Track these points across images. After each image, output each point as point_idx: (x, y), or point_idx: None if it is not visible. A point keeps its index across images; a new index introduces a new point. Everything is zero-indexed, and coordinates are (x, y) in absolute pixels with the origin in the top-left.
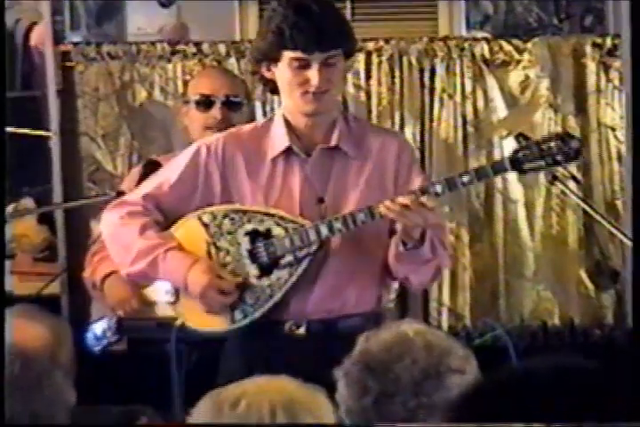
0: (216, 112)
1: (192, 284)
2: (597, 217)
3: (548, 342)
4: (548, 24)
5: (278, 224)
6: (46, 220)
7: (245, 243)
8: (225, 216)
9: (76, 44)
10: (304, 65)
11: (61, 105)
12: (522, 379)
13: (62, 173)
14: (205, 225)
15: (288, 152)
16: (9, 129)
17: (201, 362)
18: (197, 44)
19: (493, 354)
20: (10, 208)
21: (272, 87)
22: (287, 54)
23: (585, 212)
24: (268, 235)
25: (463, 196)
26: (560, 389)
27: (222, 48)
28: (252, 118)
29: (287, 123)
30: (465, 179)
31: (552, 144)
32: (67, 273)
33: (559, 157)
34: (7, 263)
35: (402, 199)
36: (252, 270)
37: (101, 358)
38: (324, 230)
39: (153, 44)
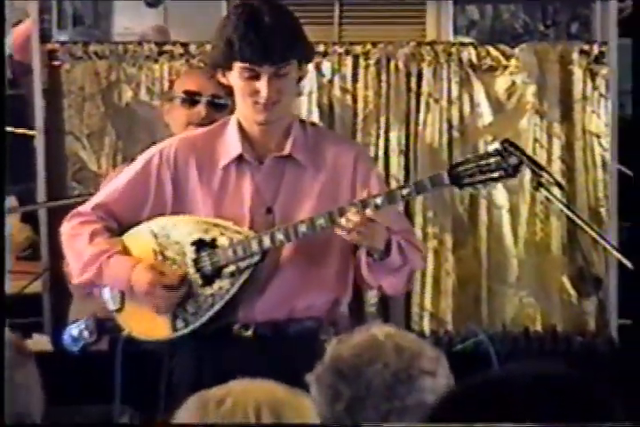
0: (201, 109)
1: (136, 283)
2: (581, 224)
3: (530, 348)
4: (535, 30)
5: (223, 234)
6: (29, 218)
7: (191, 252)
8: (174, 226)
9: (62, 43)
10: (254, 76)
11: (47, 104)
12: (496, 385)
13: (46, 172)
14: (154, 235)
15: (240, 160)
16: None
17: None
18: (184, 45)
19: (475, 360)
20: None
21: (229, 91)
22: (237, 65)
23: (569, 218)
24: (213, 245)
25: (447, 201)
26: (535, 395)
27: (209, 49)
28: None
29: (241, 128)
30: (404, 192)
31: (492, 160)
32: (49, 272)
33: (497, 174)
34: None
35: (350, 216)
36: (196, 280)
37: (81, 358)
38: (267, 241)
39: (140, 43)
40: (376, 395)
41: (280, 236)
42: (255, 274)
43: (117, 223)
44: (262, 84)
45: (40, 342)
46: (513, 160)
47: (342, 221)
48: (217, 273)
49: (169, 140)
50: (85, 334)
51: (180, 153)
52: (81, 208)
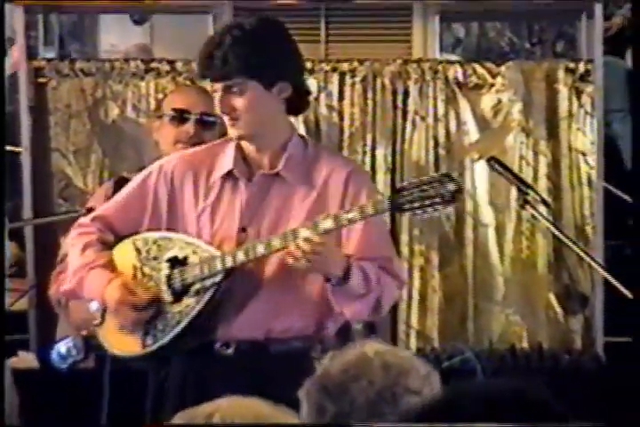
0: (189, 127)
1: (108, 300)
2: (567, 242)
3: (516, 365)
4: (521, 48)
5: (195, 252)
6: (15, 236)
7: (165, 269)
8: (154, 242)
9: (49, 59)
10: (214, 91)
11: (33, 121)
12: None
13: (32, 189)
14: (138, 250)
15: (233, 176)
16: None
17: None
18: (171, 62)
19: (462, 377)
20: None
21: None
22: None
23: (555, 236)
24: (184, 262)
25: (434, 218)
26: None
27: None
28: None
29: (238, 145)
30: (350, 215)
31: (431, 187)
32: (35, 289)
33: (437, 200)
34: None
35: (300, 242)
36: (167, 296)
37: (67, 376)
38: (229, 261)
39: (127, 61)
40: (359, 412)
41: (241, 256)
42: (219, 293)
43: (115, 236)
44: (216, 99)
45: (26, 359)
46: (451, 186)
47: (291, 247)
48: (185, 291)
49: (170, 157)
50: (73, 351)
51: (177, 169)
52: (82, 219)
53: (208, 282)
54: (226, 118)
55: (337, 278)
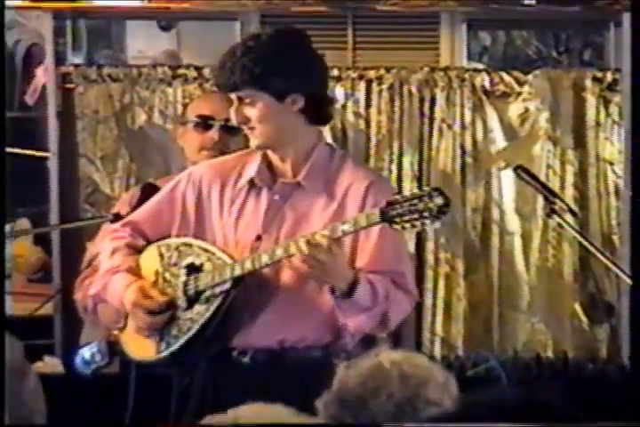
0: (214, 134)
1: (125, 302)
2: (594, 251)
3: (541, 374)
4: (547, 57)
5: (210, 259)
6: (42, 241)
7: (182, 275)
8: (176, 248)
9: (77, 65)
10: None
11: (60, 126)
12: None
13: (59, 195)
14: (161, 255)
15: (256, 184)
16: (7, 150)
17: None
18: (198, 69)
19: (487, 385)
20: (6, 228)
21: None
22: None
23: (581, 245)
24: (200, 269)
25: (459, 226)
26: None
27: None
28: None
29: (264, 154)
30: (345, 227)
31: (420, 201)
32: (61, 294)
33: (425, 214)
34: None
35: (302, 246)
36: (181, 303)
37: (92, 380)
38: (237, 269)
39: (154, 67)
40: (380, 424)
41: (248, 264)
42: (227, 301)
43: (146, 241)
44: (232, 109)
45: (51, 364)
46: (438, 201)
47: (294, 250)
48: (197, 297)
49: (199, 165)
50: (97, 357)
51: (205, 177)
52: (115, 224)
53: (217, 290)
54: (244, 128)
55: (341, 291)
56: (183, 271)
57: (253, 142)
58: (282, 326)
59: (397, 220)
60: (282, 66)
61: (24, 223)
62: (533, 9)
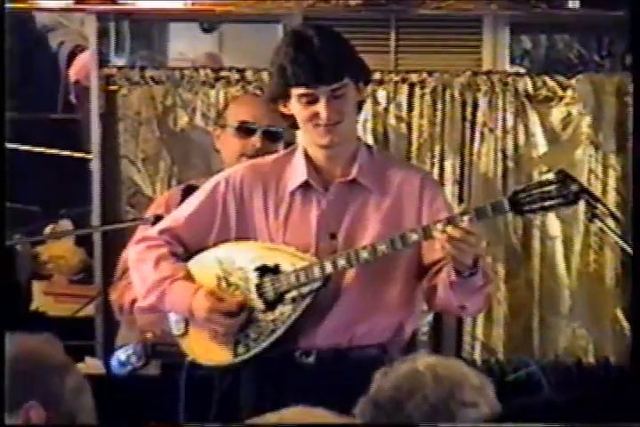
0: (256, 140)
1: (196, 309)
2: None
3: (582, 379)
4: (590, 61)
5: (286, 260)
6: (84, 242)
7: (254, 278)
8: (238, 252)
9: (120, 67)
10: (312, 100)
11: (103, 128)
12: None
13: (101, 196)
14: (219, 261)
15: (306, 186)
16: (50, 151)
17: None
18: (241, 71)
19: (527, 390)
20: (48, 229)
21: (292, 122)
22: (294, 91)
23: (623, 250)
24: (276, 270)
25: (500, 230)
26: None
27: (265, 75)
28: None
29: (307, 155)
30: (465, 217)
31: (552, 187)
32: (102, 296)
33: (557, 201)
34: (42, 283)
35: (451, 231)
36: (258, 305)
37: (132, 381)
38: (329, 267)
39: (196, 69)
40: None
41: (342, 262)
42: (317, 299)
43: (184, 248)
44: (321, 106)
45: (92, 365)
46: (574, 187)
47: (436, 234)
48: (279, 299)
49: (236, 167)
50: (133, 358)
51: (246, 180)
52: (148, 233)
53: (305, 289)
54: (320, 125)
55: (468, 269)
56: (254, 274)
57: (326, 140)
58: (351, 323)
59: (527, 208)
60: (356, 55)
61: (66, 224)
62: (576, 12)
